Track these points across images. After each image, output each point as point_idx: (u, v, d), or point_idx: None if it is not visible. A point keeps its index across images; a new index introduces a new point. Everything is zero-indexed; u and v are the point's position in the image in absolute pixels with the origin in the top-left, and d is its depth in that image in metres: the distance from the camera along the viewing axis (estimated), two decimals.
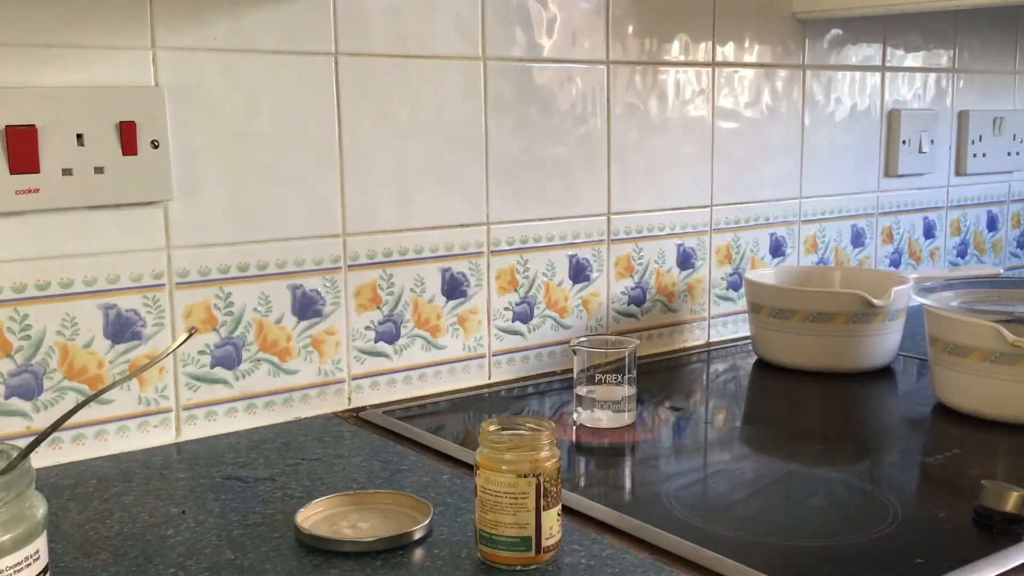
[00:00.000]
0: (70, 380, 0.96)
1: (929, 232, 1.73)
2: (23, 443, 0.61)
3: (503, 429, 0.74)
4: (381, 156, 1.12)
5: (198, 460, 0.97)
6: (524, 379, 1.26)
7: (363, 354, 1.13)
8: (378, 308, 1.14)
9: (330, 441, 1.02)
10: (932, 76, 1.68)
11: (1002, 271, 1.63)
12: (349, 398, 1.13)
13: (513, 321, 1.25)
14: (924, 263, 1.74)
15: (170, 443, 1.02)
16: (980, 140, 1.75)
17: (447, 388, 1.20)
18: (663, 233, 1.37)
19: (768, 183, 1.48)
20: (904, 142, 1.63)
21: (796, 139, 1.50)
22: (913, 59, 1.65)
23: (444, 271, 1.18)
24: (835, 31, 1.52)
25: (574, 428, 1.08)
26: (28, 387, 0.94)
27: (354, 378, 1.13)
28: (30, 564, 0.58)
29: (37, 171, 0.91)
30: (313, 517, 0.81)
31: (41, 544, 0.59)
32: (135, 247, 0.98)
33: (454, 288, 1.19)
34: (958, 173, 1.75)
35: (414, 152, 1.14)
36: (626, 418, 1.08)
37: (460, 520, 0.82)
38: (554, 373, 1.28)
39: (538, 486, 0.72)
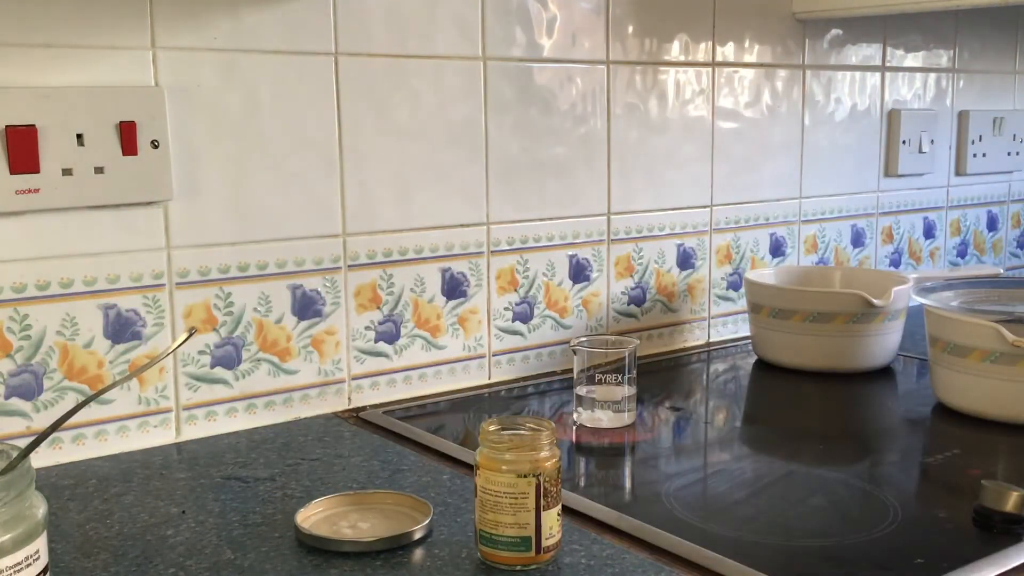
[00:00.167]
0: (70, 380, 0.96)
1: (929, 232, 1.73)
2: (23, 443, 0.61)
3: (503, 429, 0.74)
4: (381, 156, 1.12)
5: (198, 460, 0.97)
6: (524, 379, 1.26)
7: (363, 354, 1.13)
8: (378, 308, 1.14)
9: (330, 441, 1.02)
10: (932, 76, 1.68)
11: (1002, 271, 1.64)
12: (349, 398, 1.13)
13: (513, 321, 1.25)
14: (924, 263, 1.74)
15: (170, 443, 1.02)
16: (980, 140, 1.75)
17: (447, 388, 1.20)
18: (663, 233, 1.37)
19: (768, 183, 1.48)
20: (904, 142, 1.63)
21: (796, 139, 1.50)
22: (913, 59, 1.65)
23: (444, 271, 1.18)
24: (835, 31, 1.52)
25: (574, 428, 1.08)
26: (28, 387, 0.94)
27: (354, 378, 1.13)
28: (30, 564, 0.58)
29: (37, 171, 0.91)
30: (313, 517, 0.81)
31: (41, 544, 0.59)
32: (135, 247, 0.98)
33: (454, 288, 1.19)
34: (958, 173, 1.75)
35: (414, 152, 1.14)
36: (626, 418, 1.08)
37: (460, 520, 0.82)
38: (554, 373, 1.28)
39: (538, 486, 0.72)
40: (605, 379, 1.08)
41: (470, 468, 0.88)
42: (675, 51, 1.35)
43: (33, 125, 0.90)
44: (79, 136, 0.93)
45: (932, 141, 1.68)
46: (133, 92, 0.96)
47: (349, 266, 1.11)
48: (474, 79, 1.17)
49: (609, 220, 1.31)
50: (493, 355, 1.24)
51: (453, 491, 0.88)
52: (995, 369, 1.06)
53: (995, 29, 1.76)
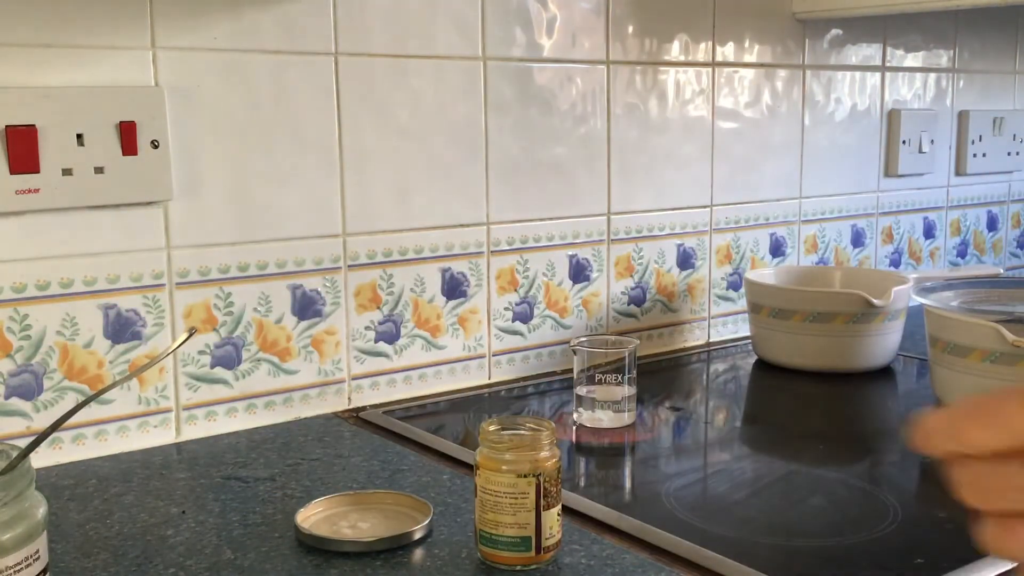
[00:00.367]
0: (70, 380, 0.96)
1: (929, 232, 1.73)
2: (23, 443, 0.61)
3: (503, 429, 0.74)
4: (381, 156, 1.12)
5: (198, 460, 0.97)
6: (524, 379, 1.26)
7: (363, 354, 1.13)
8: (378, 308, 1.14)
9: (330, 441, 1.02)
10: (932, 76, 1.68)
11: (1002, 271, 1.64)
12: (349, 398, 1.13)
13: (513, 321, 1.25)
14: (924, 263, 1.74)
15: (170, 443, 1.02)
16: (980, 140, 1.75)
17: (447, 388, 1.20)
18: (663, 233, 1.37)
19: (768, 183, 1.48)
20: (904, 142, 1.63)
21: (796, 139, 1.50)
22: (913, 59, 1.65)
23: (444, 271, 1.18)
24: (835, 31, 1.52)
25: (574, 428, 1.08)
26: (28, 387, 0.94)
27: (354, 378, 1.13)
28: (30, 564, 0.58)
29: (37, 171, 0.91)
30: (313, 517, 0.81)
31: (41, 544, 0.59)
32: (135, 247, 0.98)
33: (454, 288, 1.19)
34: (958, 173, 1.75)
35: (414, 152, 1.14)
36: (626, 418, 1.08)
37: (460, 520, 0.82)
38: (554, 373, 1.28)
39: (538, 486, 0.72)
40: (605, 379, 1.08)
41: (470, 468, 0.88)
42: (675, 51, 1.35)
43: (33, 125, 0.90)
44: (79, 136, 0.93)
45: (932, 141, 1.68)
46: (133, 92, 0.96)
47: (349, 266, 1.11)
48: (474, 79, 1.17)
49: (609, 220, 1.31)
50: (493, 355, 1.24)
51: (453, 491, 0.88)
52: (995, 369, 1.06)
53: (995, 29, 1.76)
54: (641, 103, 1.32)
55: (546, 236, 1.26)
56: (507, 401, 1.19)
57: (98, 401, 0.97)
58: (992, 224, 1.85)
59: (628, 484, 0.97)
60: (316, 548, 0.76)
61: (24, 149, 0.90)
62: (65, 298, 0.95)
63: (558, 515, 0.74)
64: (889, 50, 1.61)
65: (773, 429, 1.12)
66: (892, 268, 1.67)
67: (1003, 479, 0.37)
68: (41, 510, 0.59)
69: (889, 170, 1.64)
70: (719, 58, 1.39)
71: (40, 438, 0.60)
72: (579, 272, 1.30)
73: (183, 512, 0.84)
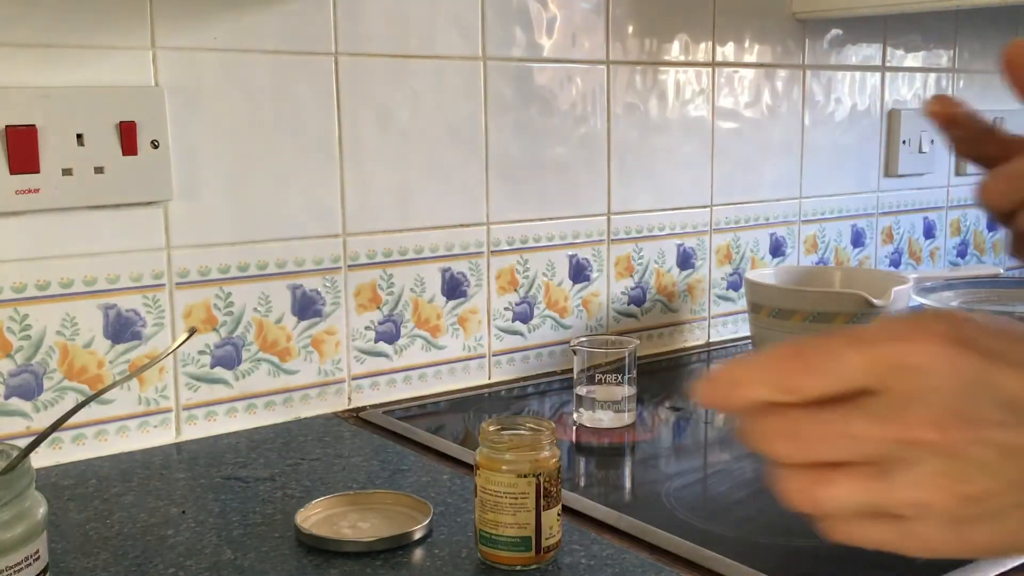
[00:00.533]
0: (70, 380, 0.96)
1: (929, 232, 1.73)
2: (23, 443, 0.61)
3: (503, 429, 0.74)
4: (381, 156, 1.12)
5: (198, 460, 0.97)
6: (524, 379, 1.26)
7: (363, 354, 1.13)
8: (378, 308, 1.14)
9: (330, 441, 1.02)
10: (932, 76, 1.68)
11: (1002, 271, 1.63)
12: (349, 398, 1.13)
13: (513, 321, 1.25)
14: (924, 263, 1.74)
15: (170, 443, 1.02)
16: None
17: (447, 388, 1.20)
18: (663, 233, 1.37)
19: (768, 183, 1.48)
20: (904, 142, 1.63)
21: (796, 139, 1.50)
22: (913, 59, 1.65)
23: (444, 271, 1.18)
24: (835, 31, 1.52)
25: (574, 428, 1.08)
26: (28, 387, 0.94)
27: (354, 378, 1.13)
28: (30, 564, 0.58)
29: (37, 171, 0.91)
30: (313, 517, 0.81)
31: (41, 544, 0.59)
32: (135, 247, 0.98)
33: (454, 288, 1.19)
34: (958, 173, 1.75)
35: (414, 152, 1.14)
36: (626, 418, 1.08)
37: (460, 520, 0.82)
38: (554, 373, 1.28)
39: (538, 486, 0.72)
40: (605, 379, 1.08)
41: (470, 468, 0.88)
42: (675, 51, 1.35)
43: (33, 125, 0.90)
44: (79, 136, 0.93)
45: (932, 141, 1.68)
46: (133, 92, 0.96)
47: (349, 266, 1.11)
48: (474, 79, 1.17)
49: (609, 220, 1.31)
50: (493, 355, 1.24)
51: (453, 491, 0.88)
52: None
53: (995, 29, 1.76)
54: (641, 103, 1.32)
55: (546, 236, 1.26)
56: (507, 401, 1.19)
57: (98, 401, 0.97)
58: (992, 224, 1.85)
59: (628, 484, 0.97)
60: (316, 548, 0.76)
61: (24, 149, 0.90)
62: (65, 298, 0.95)
63: (558, 515, 0.74)
64: (889, 50, 1.61)
65: None
66: (892, 268, 1.67)
67: (822, 426, 0.36)
68: (41, 510, 0.59)
69: (889, 170, 1.64)
70: (719, 58, 1.39)
71: (40, 438, 0.60)
72: (579, 272, 1.30)
73: (183, 512, 0.84)
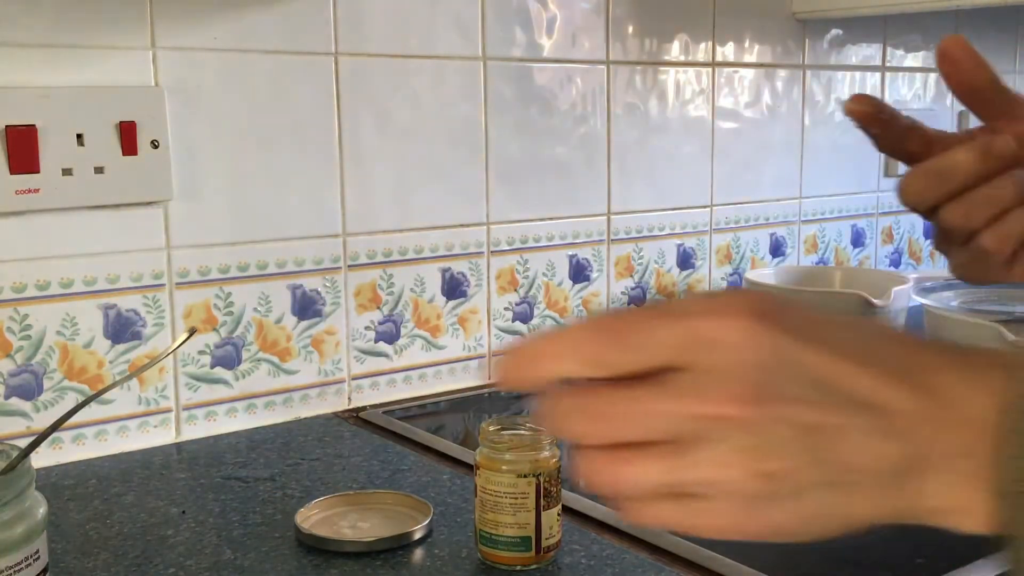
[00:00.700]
0: (70, 380, 0.96)
1: (929, 232, 1.73)
2: (23, 443, 0.61)
3: (503, 429, 0.74)
4: (381, 156, 1.12)
5: (198, 460, 0.97)
6: None
7: (363, 354, 1.13)
8: (378, 308, 1.14)
9: (330, 441, 1.02)
10: (932, 76, 1.68)
11: None
12: (349, 398, 1.13)
13: (513, 321, 1.25)
14: (924, 263, 1.74)
15: (170, 443, 1.02)
16: None
17: (447, 388, 1.20)
18: (663, 233, 1.37)
19: (768, 183, 1.48)
20: None
21: (796, 139, 1.50)
22: (913, 59, 1.64)
23: (444, 271, 1.18)
24: (835, 31, 1.52)
25: None
26: (28, 387, 0.94)
27: (354, 378, 1.13)
28: (30, 564, 0.58)
29: (37, 171, 0.91)
30: (313, 517, 0.81)
31: (41, 544, 0.59)
32: (135, 247, 0.98)
33: (454, 288, 1.19)
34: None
35: (414, 152, 1.14)
36: None
37: (460, 520, 0.82)
38: None
39: (538, 486, 0.72)
40: None
41: (470, 468, 0.88)
42: (675, 51, 1.35)
43: (33, 125, 0.90)
44: (79, 136, 0.93)
45: None
46: (133, 92, 0.96)
47: (349, 266, 1.11)
48: (474, 79, 1.17)
49: (609, 220, 1.31)
50: (493, 355, 1.24)
51: (453, 491, 0.88)
52: None
53: (995, 29, 1.76)
54: (641, 103, 1.32)
55: (546, 236, 1.26)
56: (507, 401, 1.19)
57: (98, 401, 0.97)
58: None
59: None
60: (316, 548, 0.76)
61: (24, 149, 0.90)
62: (65, 298, 0.95)
63: (558, 515, 0.74)
64: (889, 50, 1.61)
65: None
66: (892, 268, 1.67)
67: (622, 405, 0.35)
68: (41, 510, 0.59)
69: (889, 170, 1.63)
70: (719, 58, 1.39)
71: (40, 438, 0.60)
72: (579, 272, 1.30)
73: (183, 512, 0.84)
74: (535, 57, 1.22)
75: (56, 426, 0.61)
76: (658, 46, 1.33)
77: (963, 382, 0.36)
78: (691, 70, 1.37)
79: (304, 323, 1.09)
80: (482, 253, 1.21)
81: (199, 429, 1.04)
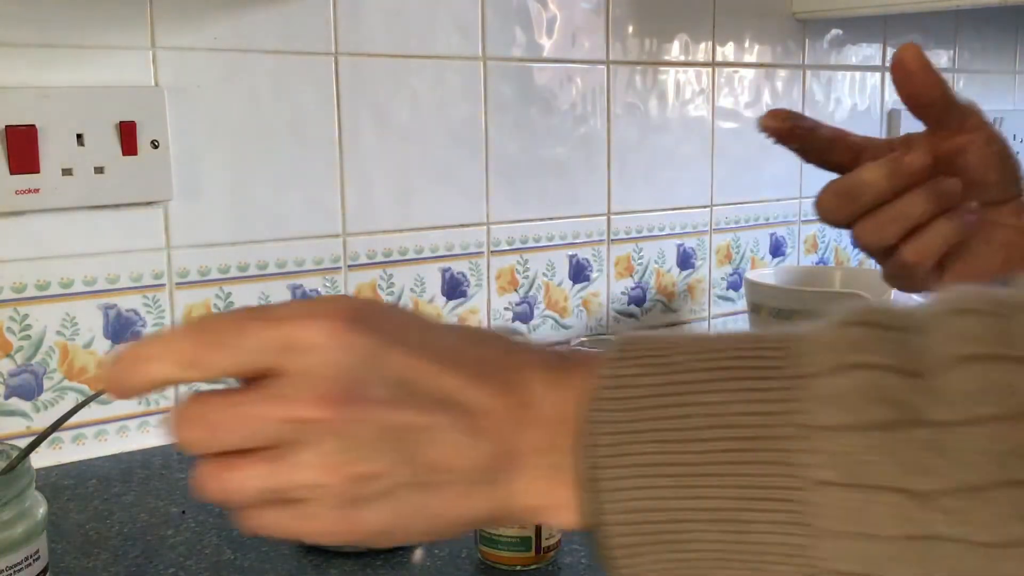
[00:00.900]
0: (70, 380, 0.96)
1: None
2: (23, 443, 0.61)
3: None
4: (381, 156, 1.12)
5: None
6: None
7: None
8: None
9: None
10: None
11: None
12: None
13: (513, 321, 1.25)
14: None
15: (170, 443, 1.02)
16: None
17: None
18: (663, 233, 1.38)
19: (768, 183, 1.48)
20: None
21: None
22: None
23: (444, 271, 1.18)
24: (835, 31, 1.52)
25: None
26: (28, 387, 0.94)
27: None
28: (30, 564, 0.58)
29: (37, 171, 0.91)
30: None
31: (41, 544, 0.59)
32: (135, 247, 0.98)
33: (454, 288, 1.19)
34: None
35: (414, 152, 1.14)
36: None
37: None
38: None
39: None
40: None
41: None
42: (675, 51, 1.35)
43: (33, 125, 0.90)
44: (79, 136, 0.93)
45: None
46: (133, 92, 0.96)
47: (349, 266, 1.11)
48: (474, 79, 1.17)
49: (609, 220, 1.31)
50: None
51: None
52: None
53: (995, 29, 1.76)
54: (641, 103, 1.32)
55: (546, 236, 1.26)
56: None
57: (98, 401, 0.96)
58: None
59: None
60: (316, 548, 0.76)
61: (24, 149, 0.90)
62: (65, 298, 0.95)
63: None
64: (889, 50, 1.61)
65: None
66: None
67: (227, 411, 0.35)
68: (41, 510, 0.59)
69: None
70: (719, 58, 1.39)
71: (40, 438, 0.60)
72: (579, 272, 1.30)
73: (183, 512, 0.84)
74: (535, 57, 1.22)
75: (56, 426, 0.61)
76: (658, 46, 1.33)
77: (547, 381, 0.36)
78: (691, 70, 1.37)
79: None
80: (482, 253, 1.21)
81: None
